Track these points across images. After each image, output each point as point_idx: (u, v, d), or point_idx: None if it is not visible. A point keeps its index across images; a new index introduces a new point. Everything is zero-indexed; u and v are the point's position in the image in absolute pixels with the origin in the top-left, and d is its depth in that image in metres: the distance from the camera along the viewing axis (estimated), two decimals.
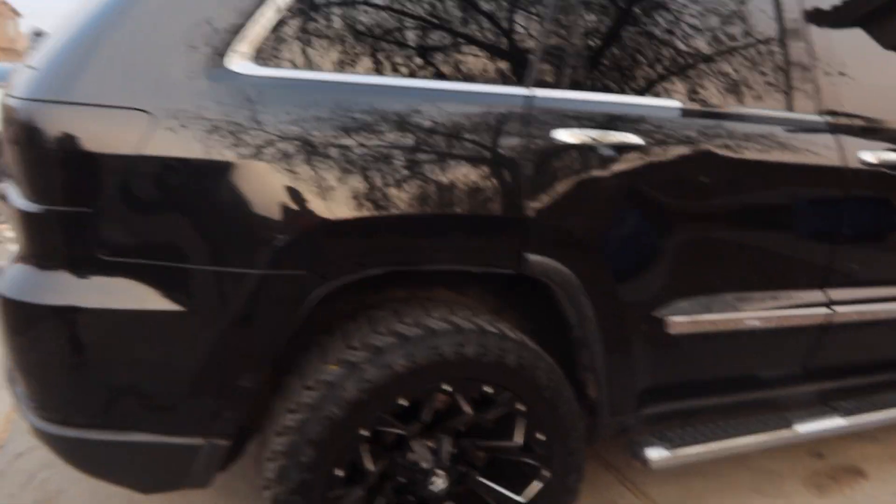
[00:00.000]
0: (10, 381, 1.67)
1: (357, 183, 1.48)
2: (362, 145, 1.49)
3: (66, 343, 1.46)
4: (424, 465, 1.67)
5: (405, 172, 1.52)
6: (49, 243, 1.44)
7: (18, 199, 1.50)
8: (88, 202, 1.41)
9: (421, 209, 1.54)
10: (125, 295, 1.44)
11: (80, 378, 1.49)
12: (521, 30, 1.66)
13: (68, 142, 1.39)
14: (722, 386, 2.10)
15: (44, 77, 1.43)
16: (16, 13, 38.62)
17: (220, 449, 1.56)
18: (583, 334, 1.77)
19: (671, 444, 1.99)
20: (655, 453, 1.96)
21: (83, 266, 1.44)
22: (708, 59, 1.84)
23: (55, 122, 1.39)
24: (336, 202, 1.48)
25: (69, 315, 1.45)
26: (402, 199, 1.52)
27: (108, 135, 1.39)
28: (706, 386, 2.08)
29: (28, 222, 1.46)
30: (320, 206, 1.47)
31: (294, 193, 1.45)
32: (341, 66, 1.53)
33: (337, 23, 1.53)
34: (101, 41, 1.42)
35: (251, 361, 1.52)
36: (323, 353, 1.61)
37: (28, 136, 1.41)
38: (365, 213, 1.49)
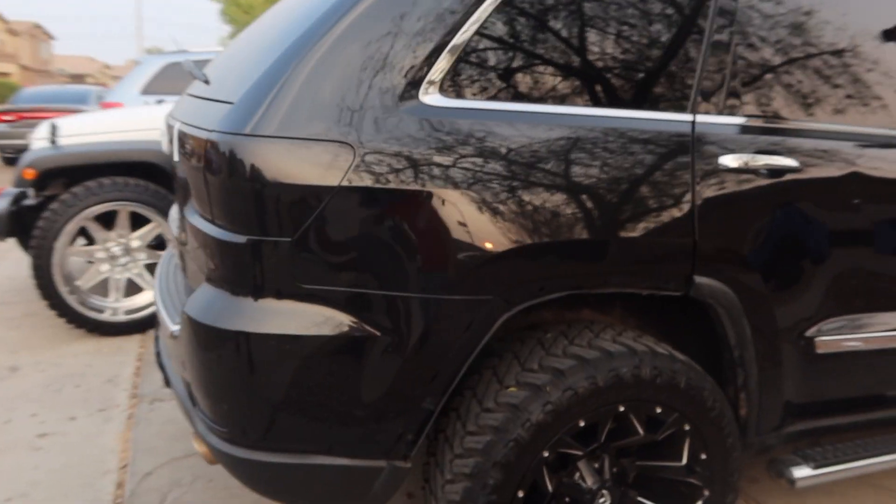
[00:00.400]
0: (189, 402, 1.71)
1: (543, 209, 1.52)
2: (546, 172, 1.52)
3: (258, 369, 1.50)
4: (592, 485, 1.69)
5: (587, 198, 1.55)
6: (247, 271, 1.49)
7: (210, 227, 1.55)
8: (290, 232, 1.45)
9: (602, 233, 1.57)
10: (321, 322, 1.48)
11: (270, 403, 1.53)
12: (683, 55, 1.69)
13: (272, 175, 1.44)
14: (857, 404, 2.10)
15: (244, 111, 1.48)
16: (49, 37, 39.52)
17: (401, 471, 1.59)
18: (740, 354, 1.78)
19: (814, 463, 1.99)
20: (800, 472, 1.95)
21: (279, 293, 1.48)
22: (861, 81, 1.86)
23: (259, 156, 1.44)
24: (523, 228, 1.51)
25: (263, 341, 1.49)
26: (584, 223, 1.55)
27: (311, 167, 1.44)
28: (842, 404, 2.08)
29: (226, 251, 1.50)
30: (509, 233, 1.50)
31: (483, 220, 1.49)
32: (518, 96, 1.56)
33: (513, 55, 1.56)
34: (299, 75, 1.47)
35: (435, 384, 1.55)
36: (495, 375, 1.63)
37: (231, 169, 1.46)
38: (550, 238, 1.53)
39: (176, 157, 1.73)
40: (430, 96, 1.50)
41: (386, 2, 1.52)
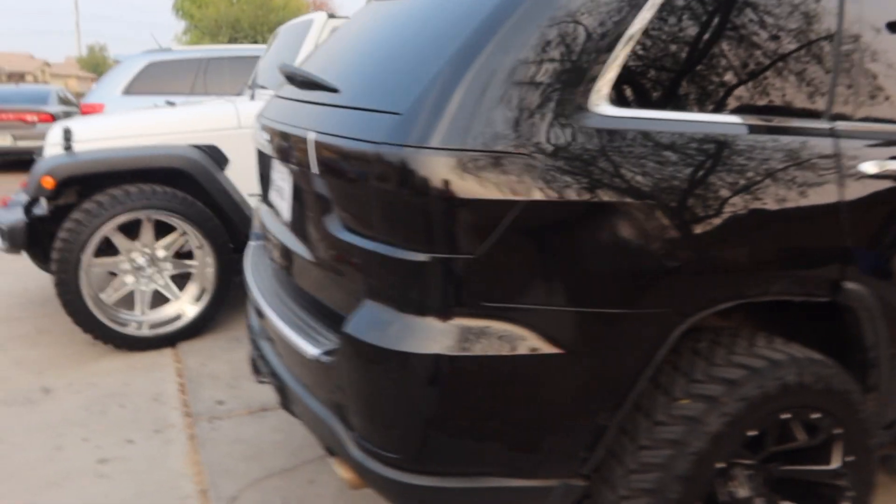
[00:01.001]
0: (340, 426, 1.62)
1: (717, 219, 1.49)
2: (717, 183, 1.50)
3: (437, 391, 1.44)
4: (749, 493, 1.68)
5: (755, 208, 1.53)
6: (425, 290, 1.42)
7: (376, 245, 1.47)
8: (472, 248, 1.39)
9: (769, 243, 1.56)
10: (504, 340, 1.43)
11: (446, 426, 1.47)
12: (821, 61, 1.68)
13: (452, 189, 1.37)
14: None
15: (416, 122, 1.40)
16: None
17: (574, 489, 1.55)
18: (875, 355, 1.80)
19: None
20: None
21: (459, 312, 1.42)
22: None
23: (437, 169, 1.37)
24: (700, 239, 1.48)
25: (443, 363, 1.42)
26: (754, 233, 1.53)
27: (494, 181, 1.38)
28: None
29: (400, 270, 1.43)
30: (687, 244, 1.47)
31: (663, 232, 1.45)
32: (686, 104, 1.53)
33: (679, 62, 1.53)
34: (472, 84, 1.40)
35: (611, 399, 1.51)
36: (658, 387, 1.60)
37: (405, 183, 1.39)
38: (723, 248, 1.51)
39: (314, 169, 1.64)
40: (604, 106, 1.46)
41: (546, 6, 1.47)
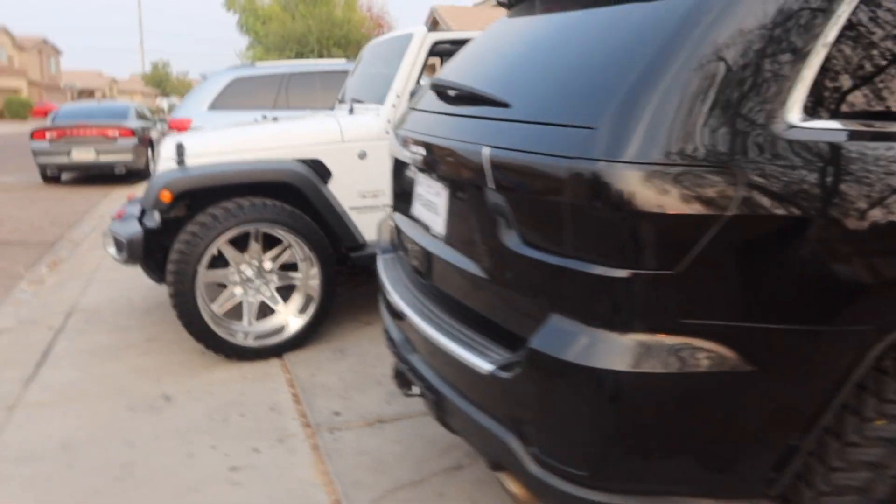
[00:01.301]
0: (516, 441, 1.62)
1: None
2: None
3: (632, 409, 1.43)
4: None
5: None
6: (621, 307, 1.40)
7: (566, 261, 1.47)
8: (672, 264, 1.37)
9: None
10: (696, 357, 1.40)
11: (638, 444, 1.45)
12: None
13: (653, 204, 1.35)
14: None
15: (614, 136, 1.40)
16: (56, 51, 39.42)
17: None
18: None
19: None
20: None
21: (655, 329, 1.40)
22: None
23: (637, 185, 1.36)
24: None
25: (638, 380, 1.41)
26: None
27: (695, 196, 1.36)
28: None
29: (594, 286, 1.42)
30: (894, 259, 1.43)
31: (868, 245, 1.41)
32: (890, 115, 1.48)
33: (880, 69, 1.48)
34: (665, 98, 1.39)
35: (804, 419, 1.47)
36: (845, 407, 1.55)
37: (604, 199, 1.38)
38: None
39: (490, 184, 1.64)
40: (804, 118, 1.42)
41: (737, 15, 1.44)
